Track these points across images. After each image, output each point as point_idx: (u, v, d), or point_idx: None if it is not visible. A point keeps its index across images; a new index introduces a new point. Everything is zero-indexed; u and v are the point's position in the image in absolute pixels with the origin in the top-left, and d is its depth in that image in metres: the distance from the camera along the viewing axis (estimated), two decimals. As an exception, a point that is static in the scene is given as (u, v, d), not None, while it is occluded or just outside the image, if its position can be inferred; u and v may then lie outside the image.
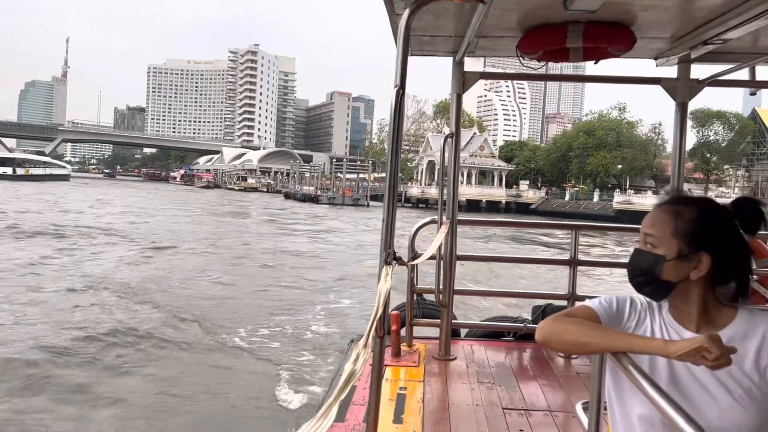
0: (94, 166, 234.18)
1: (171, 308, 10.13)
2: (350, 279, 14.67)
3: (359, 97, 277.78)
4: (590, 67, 3.66)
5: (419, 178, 74.25)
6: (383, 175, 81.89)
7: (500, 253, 19.89)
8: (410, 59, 1.53)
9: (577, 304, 1.51)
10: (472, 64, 4.02)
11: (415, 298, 4.30)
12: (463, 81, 3.97)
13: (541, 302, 4.87)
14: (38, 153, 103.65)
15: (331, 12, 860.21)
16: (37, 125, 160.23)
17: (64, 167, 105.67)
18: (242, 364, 7.82)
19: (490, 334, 4.76)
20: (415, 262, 3.67)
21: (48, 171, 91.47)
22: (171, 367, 7.43)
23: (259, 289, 12.76)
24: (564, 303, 4.53)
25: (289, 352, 8.23)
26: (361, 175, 73.55)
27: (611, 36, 3.12)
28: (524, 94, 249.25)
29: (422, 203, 63.26)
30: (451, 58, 3.95)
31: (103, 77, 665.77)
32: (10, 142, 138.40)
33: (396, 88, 1.49)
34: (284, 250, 19.93)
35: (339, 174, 75.13)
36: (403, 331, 4.16)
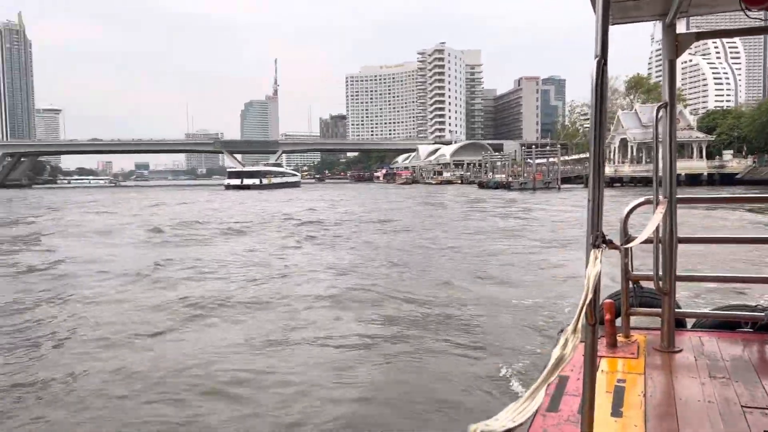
0: (306, 172, 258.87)
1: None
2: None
3: (549, 78, 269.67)
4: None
5: (612, 156, 72.38)
6: (575, 157, 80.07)
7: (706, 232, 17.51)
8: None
9: None
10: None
11: (630, 285, 4.01)
12: (675, 45, 3.64)
13: None
14: (275, 165, 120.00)
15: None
16: (262, 140, 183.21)
17: (296, 175, 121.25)
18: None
19: (721, 324, 4.27)
20: (629, 245, 3.39)
21: (284, 180, 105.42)
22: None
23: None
24: None
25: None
26: (551, 159, 74.15)
27: None
28: (737, 52, 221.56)
29: (616, 182, 63.04)
30: (658, 23, 3.68)
31: (307, 90, 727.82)
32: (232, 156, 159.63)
33: (597, 60, 1.42)
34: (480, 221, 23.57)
35: (529, 160, 75.95)
36: (618, 321, 3.90)
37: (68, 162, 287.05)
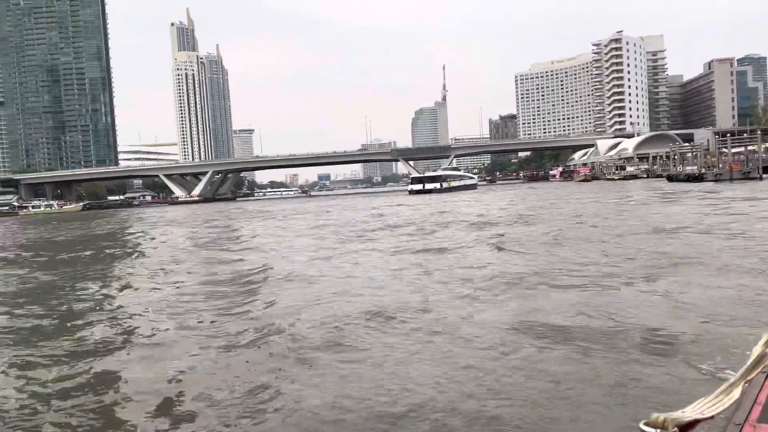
0: (477, 174, 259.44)
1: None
2: None
3: (745, 57, 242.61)
4: None
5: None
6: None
7: None
8: None
9: None
10: None
11: None
12: None
13: None
14: (453, 169, 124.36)
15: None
16: (435, 146, 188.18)
17: (473, 178, 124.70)
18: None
19: None
20: None
21: (462, 183, 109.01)
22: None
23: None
24: None
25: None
26: (750, 147, 67.76)
27: None
28: None
29: None
30: None
31: (475, 93, 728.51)
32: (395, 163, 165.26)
33: None
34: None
35: (724, 149, 69.98)
36: None
37: (260, 176, 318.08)
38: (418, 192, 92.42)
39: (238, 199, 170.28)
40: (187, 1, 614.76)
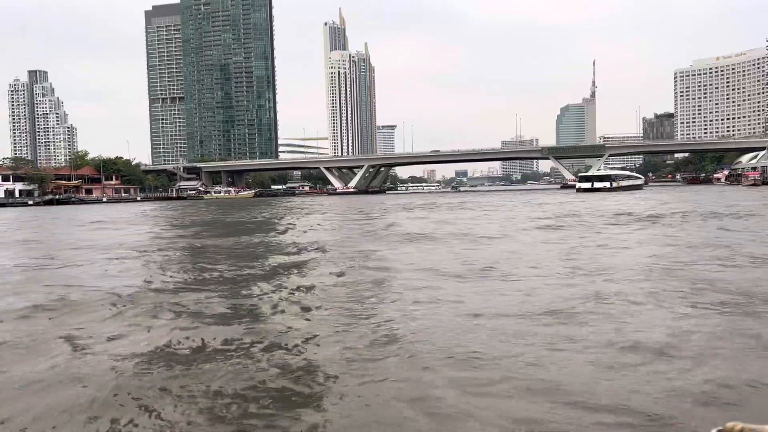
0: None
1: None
2: None
3: None
4: None
5: None
6: None
7: None
8: None
9: None
10: None
11: None
12: None
13: None
14: (622, 168, 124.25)
15: None
16: (589, 145, 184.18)
17: (639, 178, 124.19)
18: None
19: None
20: None
21: (631, 182, 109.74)
22: None
23: None
24: None
25: None
26: None
27: None
28: None
29: None
30: None
31: (628, 90, 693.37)
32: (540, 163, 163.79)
33: None
34: None
35: None
36: None
37: (400, 172, 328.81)
38: (586, 190, 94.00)
39: (386, 192, 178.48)
40: (339, 1, 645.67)
